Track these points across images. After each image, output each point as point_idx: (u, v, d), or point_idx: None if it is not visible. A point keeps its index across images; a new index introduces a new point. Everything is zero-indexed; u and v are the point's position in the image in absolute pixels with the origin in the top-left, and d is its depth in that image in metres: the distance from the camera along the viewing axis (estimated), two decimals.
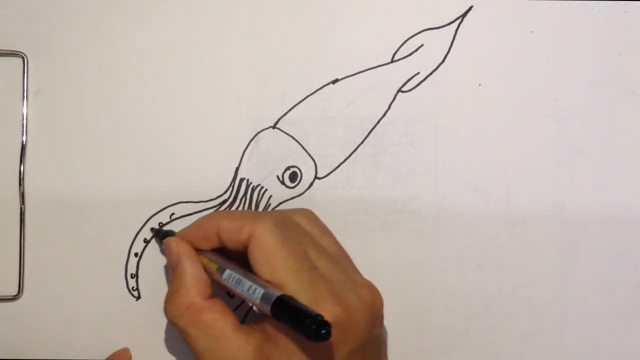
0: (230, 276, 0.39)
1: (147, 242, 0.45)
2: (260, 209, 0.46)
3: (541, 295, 0.46)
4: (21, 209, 0.45)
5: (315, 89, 0.46)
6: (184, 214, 0.46)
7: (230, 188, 0.46)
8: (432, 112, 0.46)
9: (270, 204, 0.46)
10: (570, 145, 0.46)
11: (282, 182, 0.46)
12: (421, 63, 0.46)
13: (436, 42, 0.47)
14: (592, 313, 0.46)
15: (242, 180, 0.46)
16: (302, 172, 0.46)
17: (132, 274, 0.45)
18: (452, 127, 0.46)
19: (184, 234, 0.42)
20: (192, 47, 0.46)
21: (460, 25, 0.47)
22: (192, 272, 0.40)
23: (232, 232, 0.39)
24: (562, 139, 0.46)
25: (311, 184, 0.46)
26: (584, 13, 0.47)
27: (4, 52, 0.46)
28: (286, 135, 0.46)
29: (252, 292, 0.37)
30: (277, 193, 0.46)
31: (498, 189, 0.46)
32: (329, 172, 0.46)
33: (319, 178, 0.46)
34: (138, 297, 0.45)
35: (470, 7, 0.47)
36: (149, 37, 0.46)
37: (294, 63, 0.46)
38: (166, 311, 0.40)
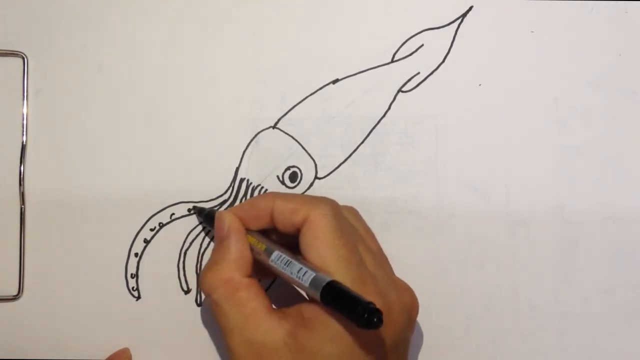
0: (280, 257, 0.38)
1: (147, 242, 0.45)
2: None
3: (541, 295, 0.46)
4: (21, 209, 0.45)
5: (315, 89, 0.46)
6: (184, 214, 0.46)
7: (231, 188, 0.46)
8: (432, 112, 0.46)
9: None
10: (570, 145, 0.46)
11: (282, 182, 0.46)
12: (421, 63, 0.46)
13: (436, 42, 0.47)
14: (592, 313, 0.46)
15: (242, 180, 0.46)
16: (302, 172, 0.46)
17: (132, 274, 0.45)
18: (452, 127, 0.46)
19: (236, 211, 0.41)
20: (192, 47, 0.46)
21: (460, 25, 0.47)
22: (238, 247, 0.40)
23: (287, 214, 0.39)
24: (562, 139, 0.46)
25: (311, 184, 0.46)
26: (584, 13, 0.47)
27: (4, 52, 0.46)
28: (286, 135, 0.46)
29: (302, 275, 0.37)
30: None
31: (498, 189, 0.46)
32: (329, 172, 0.46)
33: (319, 178, 0.46)
34: (138, 297, 0.45)
35: (470, 7, 0.47)
36: (149, 37, 0.46)
37: (294, 63, 0.46)
38: (202, 282, 0.39)
